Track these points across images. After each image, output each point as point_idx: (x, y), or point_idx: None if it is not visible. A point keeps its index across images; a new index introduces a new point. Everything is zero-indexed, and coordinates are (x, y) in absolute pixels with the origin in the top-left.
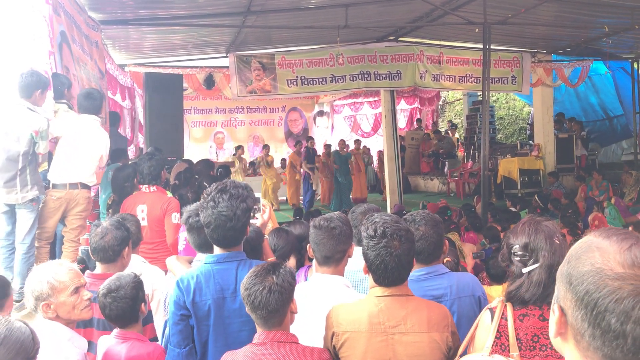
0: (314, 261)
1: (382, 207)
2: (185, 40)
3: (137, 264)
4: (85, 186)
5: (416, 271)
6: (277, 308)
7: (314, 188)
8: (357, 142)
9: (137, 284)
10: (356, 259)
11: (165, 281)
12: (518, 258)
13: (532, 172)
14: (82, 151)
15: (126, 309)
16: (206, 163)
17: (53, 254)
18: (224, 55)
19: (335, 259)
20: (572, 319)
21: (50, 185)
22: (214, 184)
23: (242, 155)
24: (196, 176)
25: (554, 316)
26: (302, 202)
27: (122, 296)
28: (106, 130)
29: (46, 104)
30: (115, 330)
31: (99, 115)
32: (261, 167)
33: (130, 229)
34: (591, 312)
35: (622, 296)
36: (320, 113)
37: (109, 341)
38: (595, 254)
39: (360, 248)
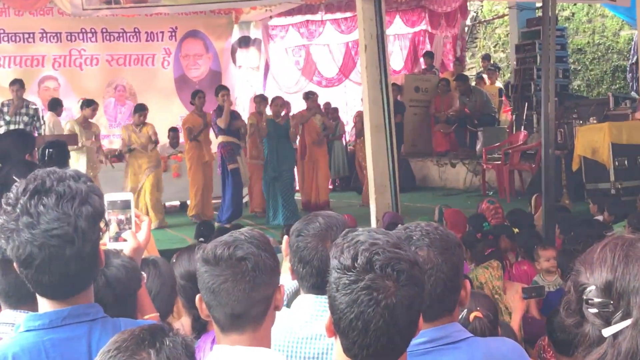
0: (215, 325)
1: (360, 219)
2: None
3: None
4: None
5: None
6: None
7: (244, 181)
8: (313, 96)
9: None
10: (305, 310)
11: None
12: (595, 309)
13: (637, 149)
14: None
15: None
16: (19, 138)
17: None
18: None
19: (251, 318)
20: None
21: None
22: (23, 180)
23: (92, 120)
24: None
25: None
26: (219, 210)
27: None
28: None
29: None
30: None
31: None
32: (132, 147)
33: None
34: None
35: None
36: (245, 41)
37: None
38: None
39: (311, 297)
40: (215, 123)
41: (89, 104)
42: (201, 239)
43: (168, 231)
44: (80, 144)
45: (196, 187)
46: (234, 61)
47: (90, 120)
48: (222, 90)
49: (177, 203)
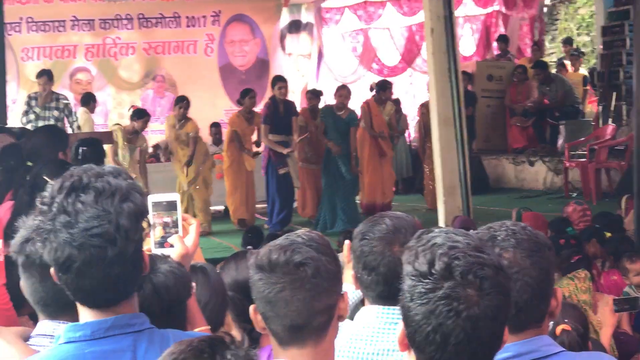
0: (272, 339)
1: (427, 225)
2: None
3: None
4: None
5: None
6: None
7: (295, 185)
8: (390, 86)
9: None
10: (371, 323)
11: None
12: None
13: None
14: None
15: None
16: (52, 135)
17: None
18: None
19: (313, 330)
20: None
21: None
22: (58, 178)
23: (137, 125)
24: (29, 162)
25: None
26: (266, 215)
27: None
28: None
29: None
30: None
31: None
32: (174, 146)
33: None
34: None
35: None
36: (295, 26)
37: None
38: None
39: (377, 308)
40: (266, 120)
41: (141, 116)
42: (249, 247)
43: (212, 239)
44: (117, 142)
45: (236, 189)
46: (283, 48)
47: (136, 126)
48: (280, 82)
49: (221, 208)
